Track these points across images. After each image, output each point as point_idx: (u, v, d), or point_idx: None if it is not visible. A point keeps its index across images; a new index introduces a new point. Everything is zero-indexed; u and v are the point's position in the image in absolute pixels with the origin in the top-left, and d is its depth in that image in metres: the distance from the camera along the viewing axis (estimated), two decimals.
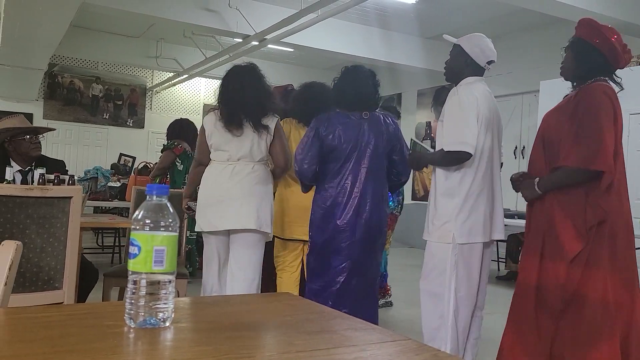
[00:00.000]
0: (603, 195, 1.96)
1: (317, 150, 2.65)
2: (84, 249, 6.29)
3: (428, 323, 2.35)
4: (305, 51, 7.91)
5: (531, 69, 6.88)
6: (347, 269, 2.61)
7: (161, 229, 0.81)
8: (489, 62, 2.40)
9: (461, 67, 2.39)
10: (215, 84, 12.35)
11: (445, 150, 2.27)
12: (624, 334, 1.99)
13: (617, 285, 1.99)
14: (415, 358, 0.74)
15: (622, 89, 2.13)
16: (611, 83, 2.11)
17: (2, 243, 0.96)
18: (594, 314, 1.96)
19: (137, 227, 0.80)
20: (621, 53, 2.10)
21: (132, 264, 0.79)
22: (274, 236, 3.18)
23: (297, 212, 2.99)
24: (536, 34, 6.97)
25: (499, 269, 6.03)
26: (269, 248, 3.51)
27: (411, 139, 2.66)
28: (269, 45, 7.23)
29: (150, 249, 0.79)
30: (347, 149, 2.65)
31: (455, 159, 2.25)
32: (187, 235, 4.78)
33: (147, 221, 0.80)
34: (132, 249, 0.79)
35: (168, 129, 5.12)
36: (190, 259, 4.90)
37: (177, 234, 0.83)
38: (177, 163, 4.94)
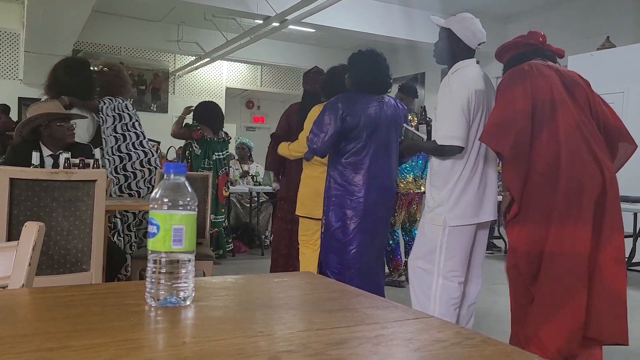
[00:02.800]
0: (519, 159, 2.15)
1: (336, 130, 2.71)
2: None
3: (416, 298, 2.47)
4: (326, 31, 7.83)
5: (559, 45, 6.71)
6: (368, 246, 2.73)
7: (179, 208, 0.80)
8: (480, 44, 2.45)
9: (453, 50, 2.44)
10: (237, 66, 12.42)
11: (438, 143, 2.37)
12: (605, 288, 2.10)
13: (586, 240, 2.08)
14: (438, 335, 0.72)
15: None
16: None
17: (26, 224, 0.97)
18: (552, 268, 2.09)
19: (156, 206, 0.80)
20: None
21: (151, 243, 0.79)
22: (299, 216, 3.28)
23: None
24: (563, 8, 6.77)
25: None
26: (294, 227, 3.58)
27: (403, 126, 2.70)
28: (290, 26, 7.17)
29: (169, 227, 0.79)
30: (366, 130, 2.73)
31: (447, 152, 2.35)
32: (212, 219, 4.84)
33: (165, 200, 0.80)
34: (151, 228, 0.79)
35: (195, 109, 5.12)
36: (219, 242, 4.96)
37: (195, 212, 0.83)
38: (195, 147, 4.96)
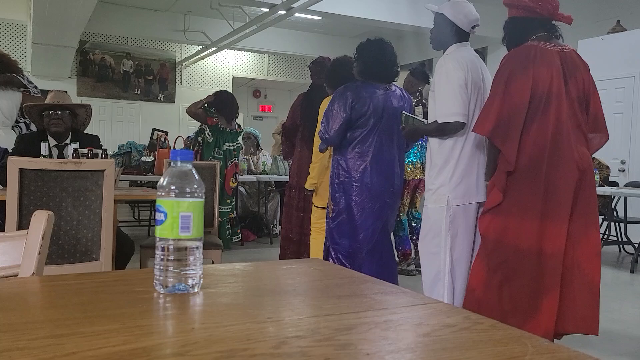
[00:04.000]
0: (509, 148, 2.14)
1: (346, 118, 2.76)
2: (121, 222, 6.48)
3: (427, 281, 2.49)
4: (332, 19, 7.79)
5: (569, 28, 6.62)
6: (378, 231, 2.76)
7: (187, 195, 0.80)
8: (474, 27, 2.47)
9: (447, 35, 2.47)
10: (244, 55, 12.40)
11: (440, 122, 2.37)
12: (578, 282, 2.14)
13: (561, 235, 2.10)
14: (447, 320, 0.72)
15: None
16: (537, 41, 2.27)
17: (35, 213, 0.98)
18: (526, 265, 2.12)
19: (163, 194, 0.80)
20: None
21: (159, 231, 0.79)
22: (316, 206, 3.36)
23: None
24: None
25: None
26: (305, 215, 3.64)
27: (402, 113, 2.71)
28: (296, 14, 7.14)
29: (177, 215, 0.78)
30: (373, 118, 2.76)
31: (450, 130, 2.36)
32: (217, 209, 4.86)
33: (172, 187, 0.80)
34: (159, 216, 0.79)
35: (214, 97, 5.12)
36: (221, 232, 4.98)
37: (202, 200, 0.83)
38: (207, 135, 4.96)
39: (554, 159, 2.13)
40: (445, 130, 2.37)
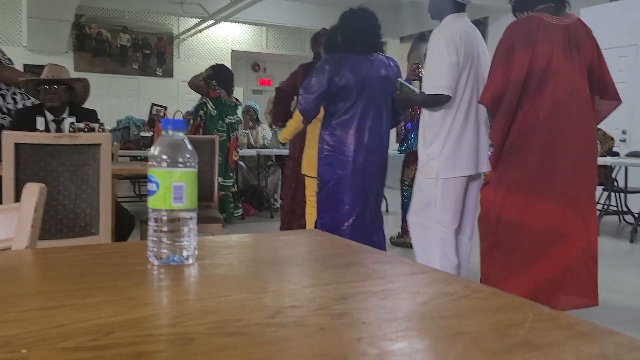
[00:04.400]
0: (500, 121, 2.13)
1: (323, 91, 2.73)
2: (122, 197, 6.47)
3: (419, 252, 2.53)
4: None
5: None
6: (360, 204, 2.76)
7: (179, 165, 0.78)
8: None
9: (443, 4, 2.46)
10: (242, 28, 12.23)
11: (426, 93, 2.38)
12: (577, 254, 2.15)
13: (557, 209, 2.11)
14: (446, 288, 0.71)
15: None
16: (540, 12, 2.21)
17: (26, 186, 0.96)
18: (514, 237, 2.15)
19: (155, 164, 0.78)
20: None
21: (151, 201, 0.78)
22: (305, 176, 3.33)
23: None
24: None
25: None
26: (299, 186, 3.63)
27: (397, 80, 2.70)
28: None
29: (169, 185, 0.77)
30: (356, 89, 2.72)
31: (435, 102, 2.36)
32: (220, 182, 4.85)
33: (164, 157, 0.78)
34: (151, 186, 0.77)
35: (213, 69, 5.07)
36: (224, 206, 4.97)
37: (196, 170, 0.81)
38: (210, 108, 4.92)
39: (552, 138, 2.12)
40: (430, 101, 2.38)
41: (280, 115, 4.06)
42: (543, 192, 2.12)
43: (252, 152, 5.90)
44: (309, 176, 3.33)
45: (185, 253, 0.79)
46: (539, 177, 2.13)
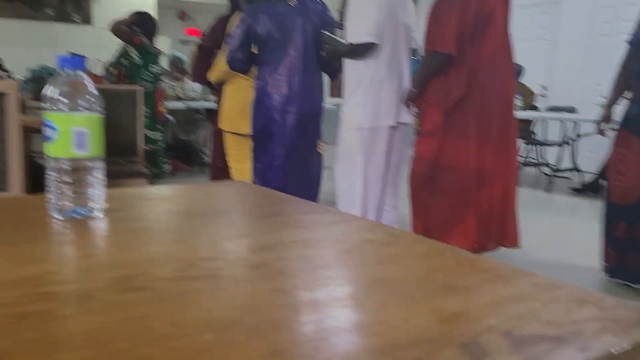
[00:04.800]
0: (458, 73, 2.11)
1: (245, 43, 2.66)
2: (39, 152, 6.09)
3: (341, 202, 2.55)
4: None
5: None
6: (281, 154, 2.74)
7: (81, 109, 0.71)
8: None
9: None
10: None
11: (353, 42, 2.34)
12: (498, 198, 2.23)
13: (490, 155, 2.18)
14: (369, 236, 0.69)
15: None
16: None
17: None
18: (458, 181, 2.20)
19: (52, 107, 0.70)
20: None
21: (50, 149, 0.70)
22: (223, 131, 3.24)
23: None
24: None
25: None
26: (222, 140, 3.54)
27: (321, 32, 2.63)
28: None
29: (68, 130, 0.69)
30: (278, 39, 2.65)
31: (362, 51, 2.32)
32: (149, 135, 4.64)
33: (63, 99, 0.70)
34: (48, 132, 0.70)
35: (137, 16, 4.77)
36: (155, 160, 4.79)
37: (101, 115, 0.73)
38: (135, 56, 4.65)
39: (487, 84, 2.14)
40: (357, 52, 2.34)
41: (201, 72, 3.92)
42: (476, 135, 2.16)
43: (181, 105, 5.68)
44: (225, 131, 3.23)
45: (91, 205, 0.73)
46: (473, 122, 2.16)
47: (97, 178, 0.73)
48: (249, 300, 0.47)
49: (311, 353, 0.38)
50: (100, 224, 0.70)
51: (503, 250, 2.93)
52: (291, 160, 2.75)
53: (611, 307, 0.49)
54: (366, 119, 2.37)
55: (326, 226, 0.74)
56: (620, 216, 2.45)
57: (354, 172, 2.43)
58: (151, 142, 4.72)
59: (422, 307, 0.47)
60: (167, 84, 5.91)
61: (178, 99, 5.90)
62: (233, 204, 0.88)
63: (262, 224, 0.74)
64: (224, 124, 3.19)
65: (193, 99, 5.94)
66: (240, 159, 3.20)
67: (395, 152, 2.55)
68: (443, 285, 0.53)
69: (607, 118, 2.70)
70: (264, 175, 2.80)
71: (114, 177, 3.13)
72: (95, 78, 5.21)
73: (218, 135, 3.83)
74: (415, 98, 2.27)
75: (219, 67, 3.37)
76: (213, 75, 3.46)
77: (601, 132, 2.74)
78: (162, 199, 0.90)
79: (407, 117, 2.44)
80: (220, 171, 3.84)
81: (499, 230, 2.25)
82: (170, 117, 5.94)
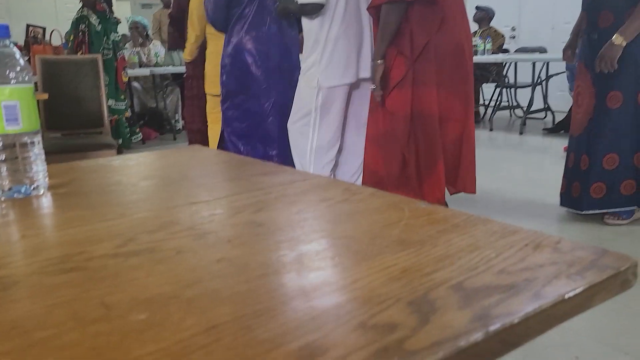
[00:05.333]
0: (420, 21, 2.08)
1: (221, 2, 2.61)
2: None
3: (296, 158, 2.52)
4: None
5: None
6: (267, 114, 2.68)
7: (8, 81, 0.66)
8: None
9: None
10: None
11: (299, 2, 2.28)
12: (459, 145, 2.23)
13: (449, 101, 2.17)
14: (324, 194, 0.67)
15: None
16: None
17: None
18: (428, 129, 2.18)
19: None
20: None
21: None
22: (207, 94, 3.21)
23: None
24: None
25: None
26: (204, 104, 3.49)
27: None
28: None
29: None
30: None
31: (310, 10, 2.27)
32: (112, 105, 4.51)
33: None
34: None
35: None
36: (119, 130, 4.67)
37: (31, 85, 0.69)
38: (94, 23, 4.47)
39: (450, 30, 2.10)
40: (304, 11, 2.29)
41: (175, 40, 3.91)
42: (437, 82, 2.13)
43: (146, 71, 5.51)
44: (209, 94, 3.21)
45: (31, 183, 0.69)
46: (434, 69, 2.13)
47: (35, 153, 0.69)
48: (190, 273, 0.44)
49: (250, 324, 0.36)
50: (41, 203, 0.67)
51: (477, 195, 2.96)
52: (269, 119, 2.71)
53: (567, 250, 0.48)
54: (324, 77, 2.32)
55: (281, 186, 0.72)
56: (571, 147, 2.55)
57: (307, 131, 2.40)
58: (115, 112, 4.60)
59: (372, 265, 0.45)
60: (129, 50, 5.72)
61: (142, 65, 5.72)
62: (186, 171, 0.85)
63: (214, 189, 0.71)
64: (207, 86, 3.19)
65: (157, 64, 5.77)
66: (216, 120, 3.16)
67: (356, 107, 2.51)
68: (396, 241, 0.51)
69: (568, 57, 2.72)
70: (237, 134, 2.75)
71: (80, 151, 3.07)
72: (54, 49, 5.01)
73: (191, 99, 3.75)
74: (383, 54, 2.20)
75: (189, 44, 3.34)
76: (187, 54, 3.45)
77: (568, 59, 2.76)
78: (112, 170, 0.86)
79: (367, 72, 2.39)
80: (197, 134, 3.79)
81: (458, 175, 2.26)
82: (137, 84, 5.77)
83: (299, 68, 2.75)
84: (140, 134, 5.26)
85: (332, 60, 2.30)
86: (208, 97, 3.28)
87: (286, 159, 2.63)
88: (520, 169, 3.79)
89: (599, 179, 2.41)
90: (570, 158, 2.56)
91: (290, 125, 2.50)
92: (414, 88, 2.16)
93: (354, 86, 2.43)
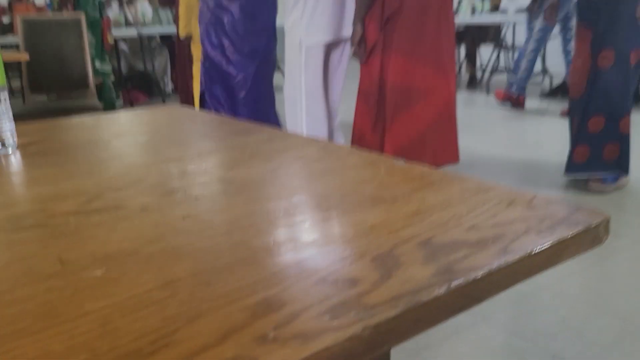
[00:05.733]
0: None
1: None
2: None
3: (287, 118, 2.51)
4: None
5: None
6: (251, 73, 2.64)
7: None
8: None
9: None
10: None
11: None
12: (440, 111, 2.21)
13: (426, 70, 2.14)
14: (302, 152, 0.65)
15: None
16: None
17: None
18: (394, 96, 2.16)
19: None
20: None
21: None
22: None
23: None
24: None
25: None
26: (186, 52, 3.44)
27: None
28: None
29: None
30: None
31: None
32: (98, 67, 4.42)
33: None
34: None
35: None
36: (104, 93, 4.59)
37: None
38: None
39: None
40: None
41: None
42: (416, 52, 2.11)
43: (132, 32, 5.38)
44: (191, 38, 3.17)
45: None
46: (413, 39, 2.10)
47: (1, 110, 0.67)
48: (153, 230, 0.43)
49: (209, 279, 0.35)
50: (9, 161, 0.65)
51: (473, 160, 2.95)
52: (253, 79, 2.66)
53: (540, 206, 0.47)
54: (307, 34, 2.29)
55: (258, 145, 0.70)
56: (573, 111, 2.48)
57: (295, 88, 2.38)
58: (101, 74, 4.51)
59: (340, 222, 0.44)
60: (114, 11, 5.58)
61: (129, 25, 5.59)
62: (161, 130, 0.83)
63: (187, 147, 0.69)
64: (181, 32, 3.15)
65: (144, 25, 5.64)
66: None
67: (337, 70, 2.48)
68: (369, 197, 0.50)
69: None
70: (217, 96, 2.71)
71: (64, 114, 3.02)
72: (38, 10, 4.87)
73: (183, 59, 3.69)
74: (361, 18, 2.17)
75: (181, 14, 3.24)
76: (182, 33, 3.35)
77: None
78: (86, 129, 0.84)
79: (348, 32, 2.36)
80: (188, 95, 3.74)
81: (437, 145, 2.24)
82: (124, 46, 5.65)
83: (281, 27, 2.69)
84: (120, 98, 5.16)
85: (314, 17, 2.28)
86: (195, 61, 3.23)
87: (267, 120, 2.61)
88: (516, 134, 3.77)
89: (583, 142, 2.37)
90: (574, 122, 2.46)
91: (284, 89, 2.48)
92: (384, 55, 2.14)
93: (335, 45, 2.40)
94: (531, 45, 4.35)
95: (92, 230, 0.43)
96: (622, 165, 2.36)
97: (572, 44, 4.38)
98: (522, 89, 4.53)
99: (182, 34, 3.31)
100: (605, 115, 2.31)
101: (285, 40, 2.42)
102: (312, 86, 2.36)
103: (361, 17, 2.12)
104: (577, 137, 2.38)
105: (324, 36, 2.30)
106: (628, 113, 2.32)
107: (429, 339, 1.37)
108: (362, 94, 2.25)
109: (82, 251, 0.39)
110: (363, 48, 2.16)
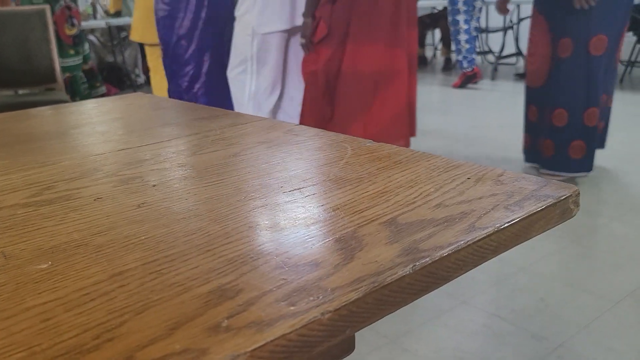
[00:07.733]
0: None
1: None
2: None
3: (236, 107, 2.48)
4: None
5: None
6: (208, 65, 2.60)
7: None
8: None
9: None
10: None
11: None
12: (403, 98, 2.20)
13: (385, 57, 2.13)
14: (265, 136, 0.63)
15: None
16: None
17: None
18: (348, 86, 2.15)
19: None
20: None
21: None
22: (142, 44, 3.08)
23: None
24: None
25: None
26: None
27: None
28: None
29: None
30: None
31: None
32: (61, 63, 4.30)
33: None
34: None
35: None
36: (74, 87, 4.48)
37: None
38: None
39: None
40: None
41: None
42: (372, 36, 2.09)
43: (101, 23, 5.26)
44: (146, 44, 3.07)
45: None
46: (367, 23, 2.08)
47: None
48: (104, 220, 0.41)
49: (160, 269, 0.33)
50: None
51: (445, 142, 2.96)
52: (210, 70, 2.62)
53: (509, 181, 0.46)
54: (259, 22, 2.26)
55: (221, 130, 0.68)
56: (531, 99, 2.40)
57: (244, 78, 2.36)
58: (67, 69, 4.39)
59: (304, 204, 0.42)
60: (80, 2, 5.43)
61: (95, 17, 5.46)
62: (121, 118, 0.80)
63: (147, 135, 0.67)
64: (132, 34, 3.05)
65: (114, 15, 5.51)
66: (155, 71, 3.06)
67: (292, 58, 2.45)
68: (333, 179, 0.48)
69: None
70: (183, 89, 2.66)
71: (31, 108, 2.94)
72: (2, 2, 4.71)
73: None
74: (311, 13, 2.14)
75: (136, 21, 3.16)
76: (111, 6, 3.28)
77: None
78: (41, 120, 0.81)
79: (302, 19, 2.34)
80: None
81: (401, 131, 2.23)
82: (93, 37, 5.52)
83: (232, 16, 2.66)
84: (104, 87, 5.06)
85: (267, 5, 2.24)
86: (145, 48, 3.17)
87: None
88: (492, 115, 3.80)
89: (547, 136, 2.28)
90: (531, 111, 2.38)
91: (229, 72, 2.43)
92: (336, 44, 2.11)
93: (293, 32, 2.36)
94: (462, 17, 4.52)
95: (39, 222, 0.41)
96: (586, 166, 2.27)
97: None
98: (472, 61, 4.62)
99: (112, 9, 3.24)
100: (567, 107, 2.22)
101: (235, 26, 2.38)
102: (264, 74, 2.33)
103: (310, 13, 2.10)
104: (541, 128, 2.31)
105: (278, 24, 2.27)
106: (595, 105, 2.21)
107: (408, 324, 1.37)
108: (310, 82, 2.21)
109: (27, 244, 0.37)
110: (309, 41, 2.13)
